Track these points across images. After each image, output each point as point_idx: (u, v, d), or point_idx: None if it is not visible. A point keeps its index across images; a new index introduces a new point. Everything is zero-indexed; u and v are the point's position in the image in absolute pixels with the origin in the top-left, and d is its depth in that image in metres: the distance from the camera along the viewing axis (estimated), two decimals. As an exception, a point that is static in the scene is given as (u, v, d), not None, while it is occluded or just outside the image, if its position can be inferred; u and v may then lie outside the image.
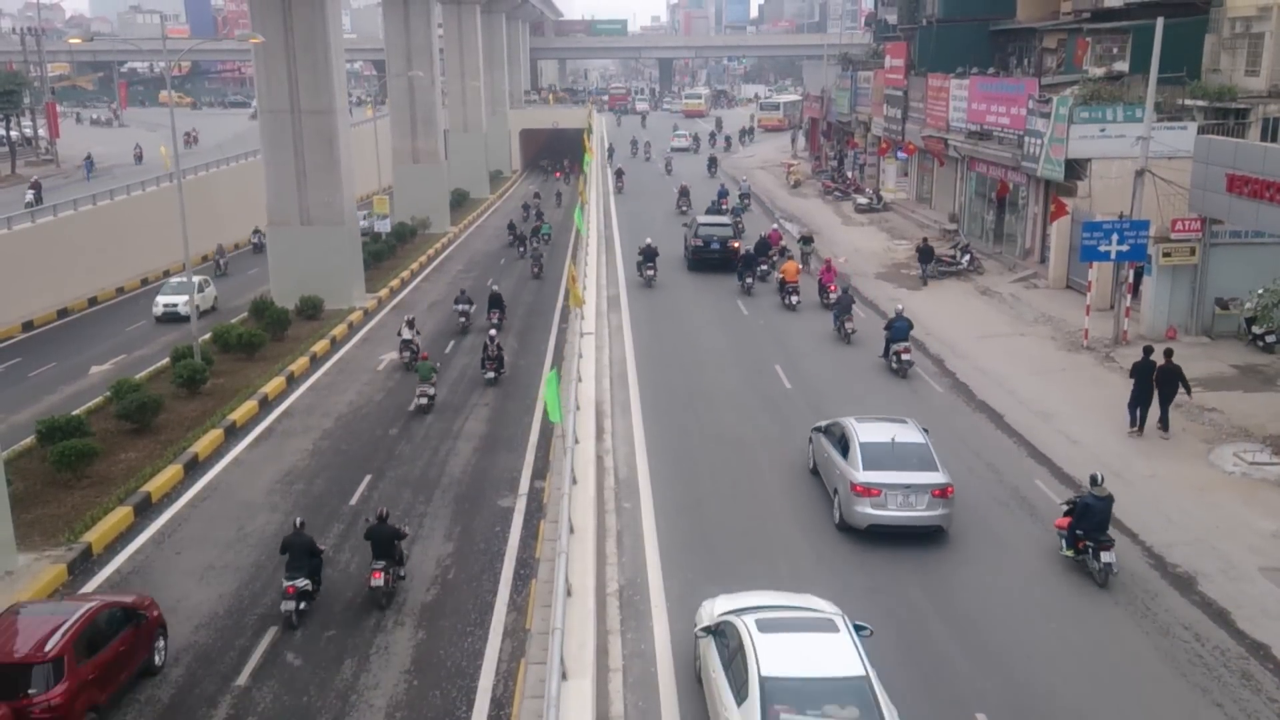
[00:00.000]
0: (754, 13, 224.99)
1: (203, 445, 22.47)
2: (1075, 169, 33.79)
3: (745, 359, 28.47)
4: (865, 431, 18.25)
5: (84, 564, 17.46)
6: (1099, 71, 37.84)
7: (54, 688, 12.41)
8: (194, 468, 21.71)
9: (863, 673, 11.39)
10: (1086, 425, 22.63)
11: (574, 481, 17.11)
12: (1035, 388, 25.29)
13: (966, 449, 21.59)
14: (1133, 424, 22.17)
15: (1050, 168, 34.69)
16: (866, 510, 17.27)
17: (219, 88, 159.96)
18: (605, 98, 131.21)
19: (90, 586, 16.75)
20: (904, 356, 26.67)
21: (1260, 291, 22.59)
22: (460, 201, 63.69)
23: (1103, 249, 26.94)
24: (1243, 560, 16.61)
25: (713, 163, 69.94)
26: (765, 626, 12.13)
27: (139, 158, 67.79)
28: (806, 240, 40.90)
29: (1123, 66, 36.94)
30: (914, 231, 46.15)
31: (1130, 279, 28.62)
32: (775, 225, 47.31)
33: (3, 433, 24.50)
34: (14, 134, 72.25)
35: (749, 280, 36.20)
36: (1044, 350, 28.49)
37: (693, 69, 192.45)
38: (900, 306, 28.74)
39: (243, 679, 14.20)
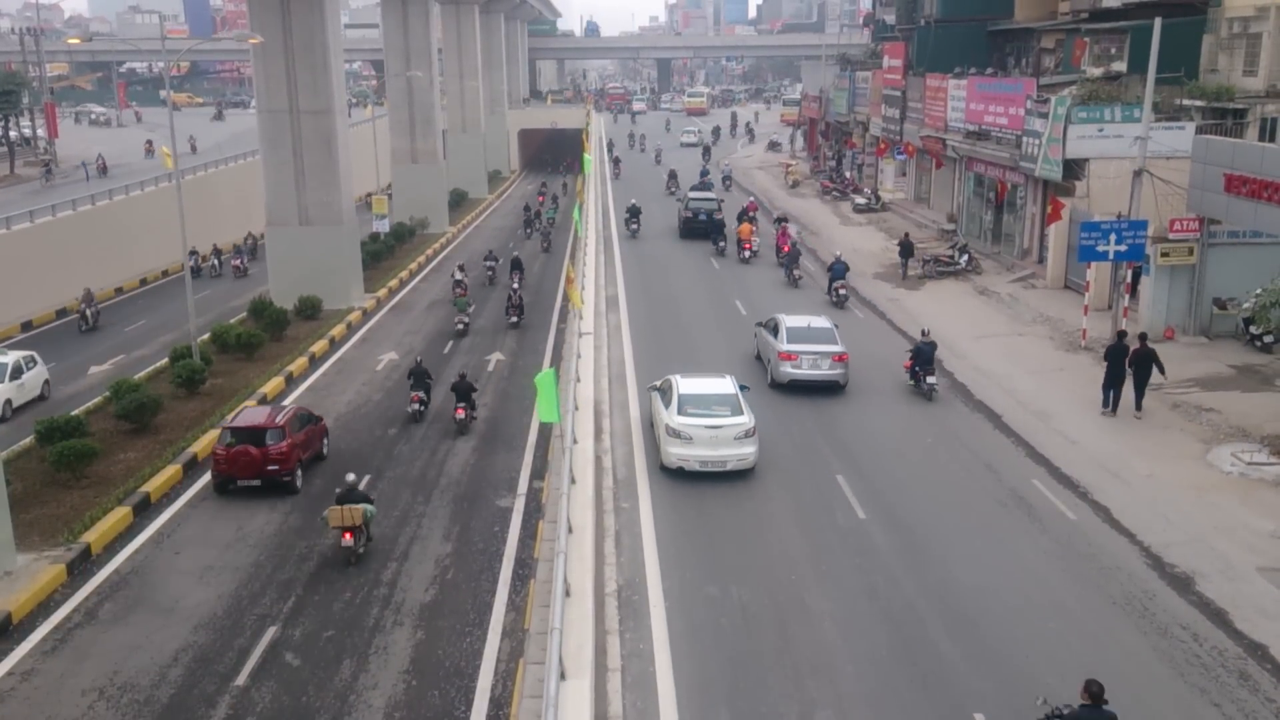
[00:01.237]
0: (752, 13, 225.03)
1: (202, 446, 22.43)
2: (1073, 169, 33.82)
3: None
4: (790, 320, 25.97)
5: (83, 564, 17.47)
6: (1097, 71, 37.87)
7: (281, 442, 20.11)
8: (193, 468, 21.70)
9: (734, 392, 20.69)
10: (1084, 425, 22.66)
11: (572, 481, 17.12)
12: (1033, 387, 25.31)
13: (965, 449, 21.63)
14: (1105, 405, 23.21)
15: (1048, 168, 34.72)
16: (788, 370, 24.99)
17: (218, 87, 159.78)
18: (604, 98, 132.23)
19: (89, 587, 16.80)
20: (841, 291, 34.16)
21: (1258, 291, 22.60)
22: (459, 201, 63.73)
23: (1101, 249, 26.94)
24: (1241, 560, 16.64)
25: (706, 152, 76.21)
26: (684, 375, 21.72)
27: (102, 169, 60.91)
28: (781, 220, 46.27)
29: (1121, 66, 36.96)
30: (912, 231, 46.14)
31: (1128, 279, 28.63)
32: (752, 198, 53.90)
33: (2, 433, 24.53)
34: (13, 134, 72.14)
35: (722, 244, 43.33)
36: (1042, 350, 28.52)
37: (691, 69, 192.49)
38: (838, 252, 36.93)
39: (241, 679, 14.22)
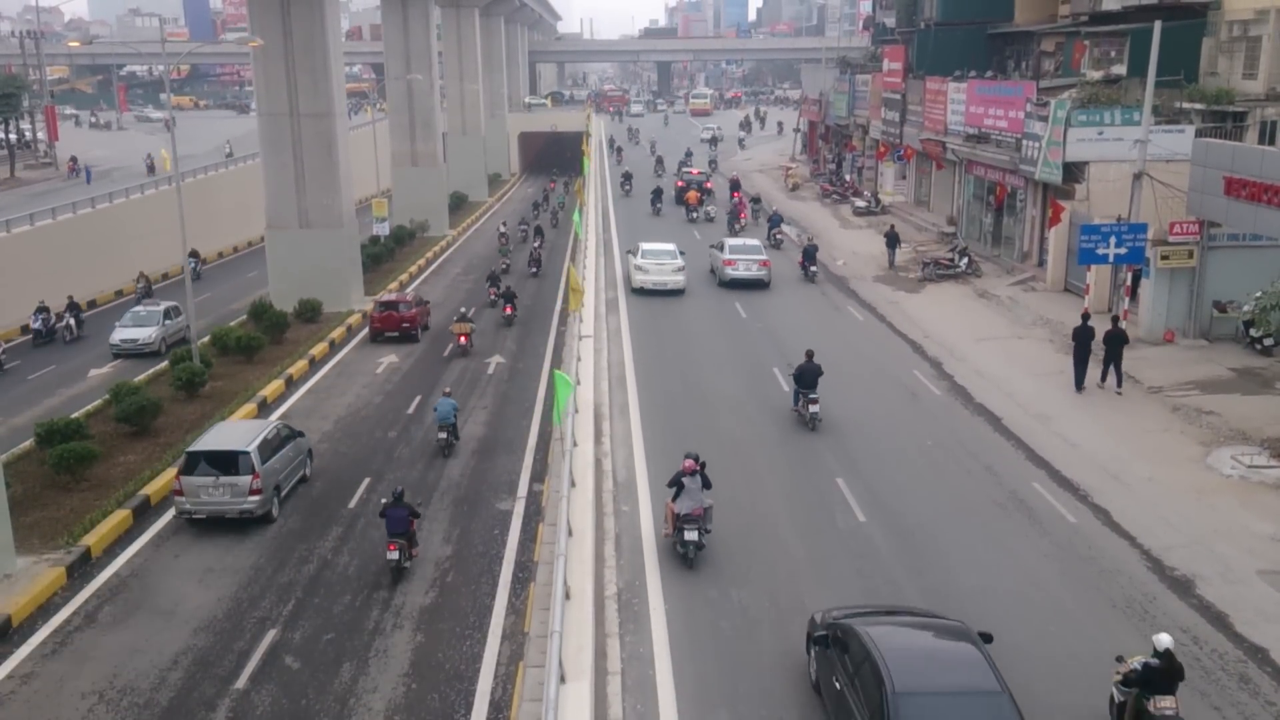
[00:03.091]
0: (752, 16, 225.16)
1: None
2: (1073, 172, 33.82)
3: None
4: (732, 240, 40.12)
5: (83, 567, 17.46)
6: (1097, 74, 37.87)
7: (411, 310, 32.20)
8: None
9: (673, 248, 37.42)
10: (1084, 428, 22.66)
11: (572, 484, 17.12)
12: (1033, 390, 25.31)
13: (965, 452, 21.61)
14: (1078, 386, 24.97)
15: (1048, 171, 34.73)
16: (729, 272, 37.12)
17: (218, 90, 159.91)
18: (602, 99, 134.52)
19: (89, 590, 16.80)
20: (778, 236, 45.05)
21: (1258, 294, 22.59)
22: (459, 204, 63.71)
23: (1101, 252, 26.94)
24: (1241, 563, 16.62)
25: (714, 143, 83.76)
26: (646, 241, 38.70)
27: None
28: (755, 200, 54.25)
29: (1120, 69, 36.97)
30: (912, 234, 46.17)
31: (1128, 282, 28.65)
32: (735, 173, 64.55)
33: (2, 436, 24.52)
34: (13, 137, 72.16)
35: (659, 205, 55.31)
36: (1042, 353, 28.50)
37: (691, 72, 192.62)
38: (775, 207, 51.09)
39: (241, 682, 14.21)
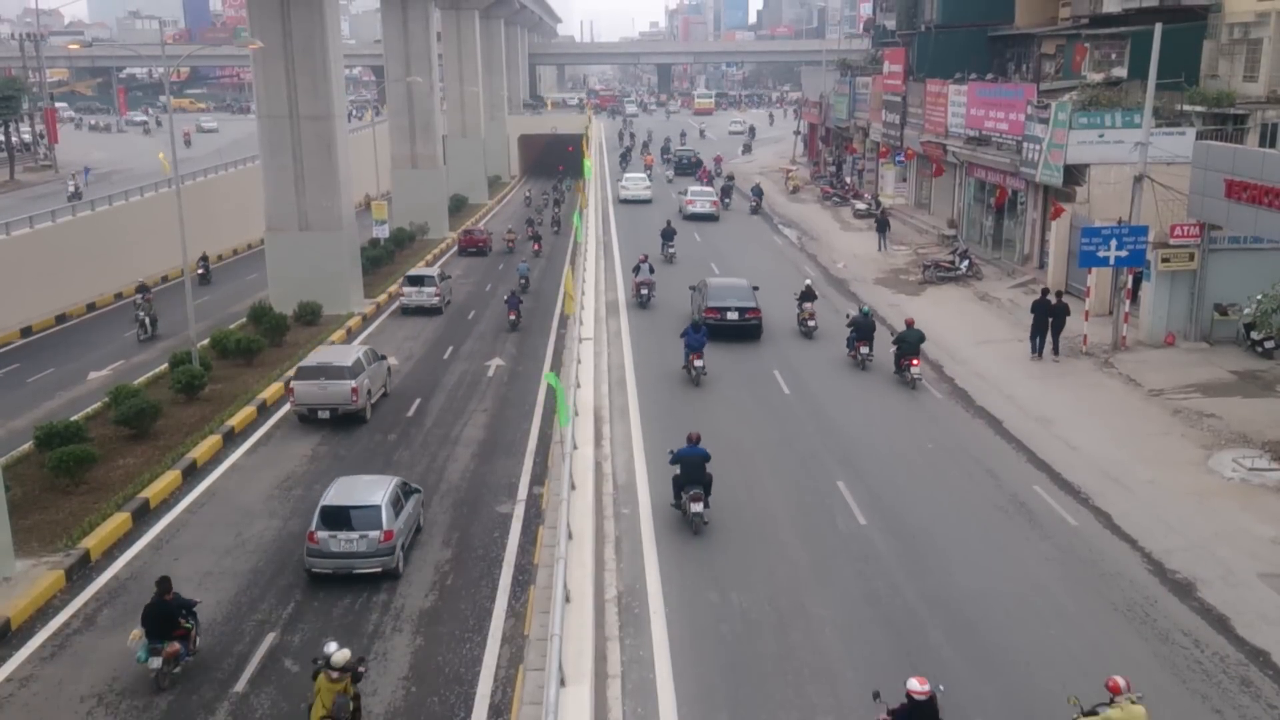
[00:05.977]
0: (752, 18, 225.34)
1: (201, 451, 22.41)
2: (1074, 174, 33.79)
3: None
4: (694, 187, 57.78)
5: (82, 570, 17.42)
6: (1097, 77, 37.86)
7: (484, 235, 52.50)
8: (192, 474, 21.65)
9: (645, 175, 64.66)
10: (1085, 431, 22.63)
11: (573, 487, 17.11)
12: (1034, 393, 25.28)
13: (966, 455, 21.59)
14: (1033, 352, 27.72)
15: (1049, 173, 34.70)
16: (688, 208, 53.46)
17: (219, 93, 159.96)
18: (596, 99, 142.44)
19: (88, 593, 16.77)
20: (749, 209, 56.46)
21: (1259, 297, 22.56)
22: (459, 207, 63.72)
23: (1101, 254, 26.94)
24: (1242, 566, 16.60)
25: (752, 131, 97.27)
26: (629, 173, 66.12)
27: None
28: (730, 177, 64.04)
29: (1121, 72, 36.95)
30: (913, 237, 46.19)
31: (1129, 284, 28.63)
32: (719, 154, 78.74)
33: (1, 438, 24.48)
34: (13, 139, 72.13)
35: (625, 165, 74.78)
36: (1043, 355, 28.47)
37: (691, 74, 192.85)
38: (729, 174, 65.88)
39: (240, 685, 14.16)
